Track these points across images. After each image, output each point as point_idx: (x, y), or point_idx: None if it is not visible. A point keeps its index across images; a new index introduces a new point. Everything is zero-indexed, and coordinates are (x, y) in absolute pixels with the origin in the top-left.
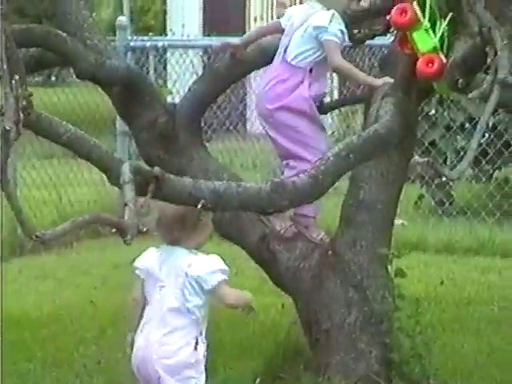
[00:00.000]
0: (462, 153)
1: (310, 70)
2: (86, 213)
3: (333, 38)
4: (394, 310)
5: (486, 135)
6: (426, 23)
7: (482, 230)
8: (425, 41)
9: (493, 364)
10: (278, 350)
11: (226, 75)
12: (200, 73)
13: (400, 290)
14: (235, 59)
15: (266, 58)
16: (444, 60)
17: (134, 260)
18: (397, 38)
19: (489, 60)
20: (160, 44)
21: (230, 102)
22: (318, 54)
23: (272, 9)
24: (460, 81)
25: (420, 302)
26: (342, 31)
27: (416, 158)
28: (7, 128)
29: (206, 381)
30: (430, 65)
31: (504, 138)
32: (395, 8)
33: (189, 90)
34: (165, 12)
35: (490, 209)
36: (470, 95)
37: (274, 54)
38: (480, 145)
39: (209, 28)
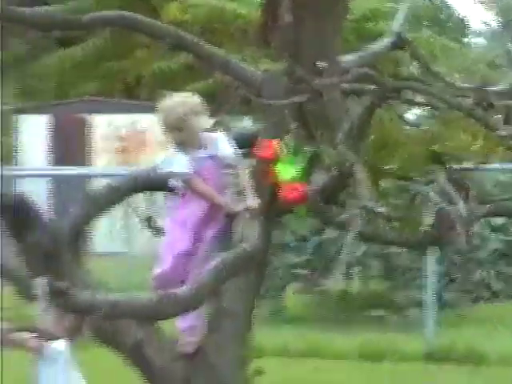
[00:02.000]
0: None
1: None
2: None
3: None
4: None
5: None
6: (288, 157)
7: (311, 334)
8: (287, 171)
9: None
10: None
11: (102, 202)
12: None
13: None
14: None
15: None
16: (303, 188)
17: None
18: (260, 169)
19: (351, 189)
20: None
21: None
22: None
23: None
24: (320, 205)
25: None
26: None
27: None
28: None
29: None
30: (293, 192)
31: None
32: (261, 144)
33: (68, 214)
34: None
35: (317, 316)
36: (338, 219)
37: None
38: (309, 262)
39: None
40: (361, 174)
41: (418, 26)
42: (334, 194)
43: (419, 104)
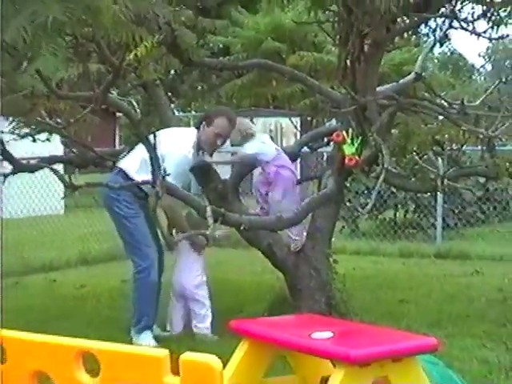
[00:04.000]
0: (363, 205)
1: None
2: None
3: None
4: (332, 279)
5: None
6: (349, 141)
7: (374, 243)
8: (348, 149)
9: (379, 305)
10: (276, 299)
11: (248, 165)
12: None
13: (336, 270)
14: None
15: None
16: (358, 159)
17: None
18: (335, 148)
19: (380, 159)
20: None
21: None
22: None
23: None
24: (365, 168)
25: (345, 276)
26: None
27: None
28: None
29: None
30: (352, 161)
31: (383, 197)
32: (335, 133)
33: (232, 172)
34: None
35: (377, 233)
36: (371, 175)
37: None
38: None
39: None
40: (385, 150)
41: (442, 69)
42: (374, 161)
43: (425, 113)
